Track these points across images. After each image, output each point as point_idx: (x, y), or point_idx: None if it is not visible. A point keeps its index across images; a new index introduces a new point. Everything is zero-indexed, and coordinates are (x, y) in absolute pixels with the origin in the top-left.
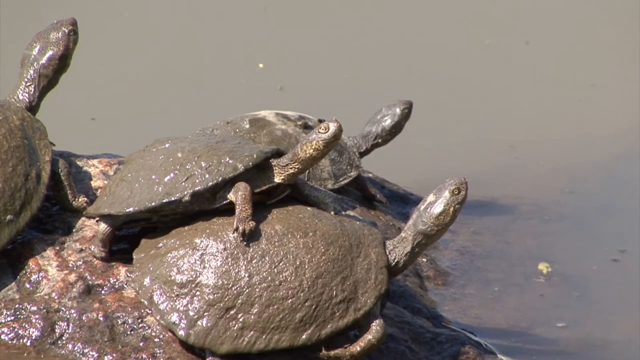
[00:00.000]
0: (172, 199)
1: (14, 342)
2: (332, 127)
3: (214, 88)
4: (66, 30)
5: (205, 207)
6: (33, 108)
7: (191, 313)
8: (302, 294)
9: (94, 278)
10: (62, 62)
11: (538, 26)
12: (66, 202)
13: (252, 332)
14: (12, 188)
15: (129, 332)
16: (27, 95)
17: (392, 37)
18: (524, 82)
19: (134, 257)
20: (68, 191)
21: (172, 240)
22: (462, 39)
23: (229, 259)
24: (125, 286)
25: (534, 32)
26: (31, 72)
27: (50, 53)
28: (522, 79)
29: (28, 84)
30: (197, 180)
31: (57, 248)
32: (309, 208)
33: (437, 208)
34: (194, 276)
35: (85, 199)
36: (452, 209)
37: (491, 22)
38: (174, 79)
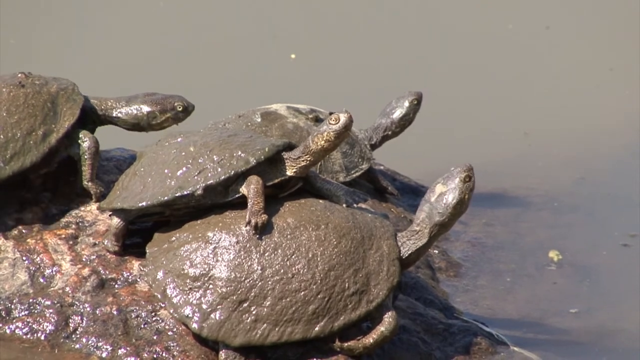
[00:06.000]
0: (185, 192)
1: (28, 336)
2: (343, 118)
3: (244, 78)
4: (175, 105)
5: (218, 200)
6: (98, 117)
7: (204, 306)
8: (314, 287)
9: (107, 272)
10: (145, 116)
11: (560, 10)
12: (80, 178)
13: (265, 325)
14: (7, 137)
15: (142, 326)
16: (103, 105)
17: (415, 23)
18: (543, 69)
19: (147, 251)
20: (86, 169)
21: (185, 234)
22: (486, 23)
23: (242, 252)
24: (138, 280)
25: (556, 15)
26: (122, 102)
27: (148, 106)
28: (541, 65)
29: (110, 104)
30: (209, 174)
31: (71, 242)
32: (321, 201)
33: (453, 198)
34: (207, 269)
35: (100, 187)
36: (466, 197)
37: (514, 6)
38: (196, 70)
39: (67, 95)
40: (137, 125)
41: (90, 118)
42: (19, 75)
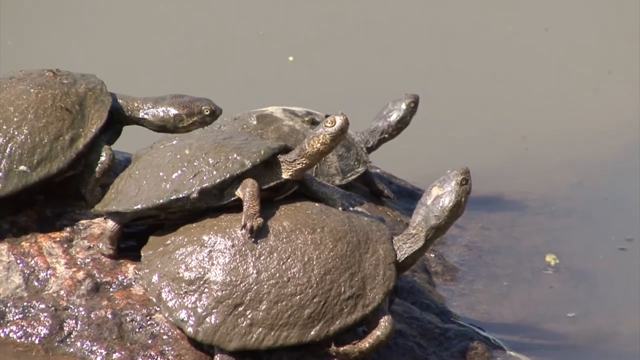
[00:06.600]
0: (180, 195)
1: (23, 340)
2: (339, 120)
3: (241, 80)
4: (202, 108)
5: (213, 203)
6: (125, 117)
7: (199, 310)
8: (310, 291)
9: (102, 275)
10: (171, 119)
11: (559, 12)
12: (83, 187)
13: (260, 329)
14: (35, 142)
15: (137, 330)
16: (130, 105)
17: (413, 25)
18: (541, 71)
19: (142, 254)
20: (92, 181)
21: (180, 238)
22: (485, 25)
23: (237, 256)
24: (133, 283)
25: (555, 18)
26: (150, 103)
27: (175, 109)
28: (539, 67)
29: (137, 105)
30: (204, 177)
31: (65, 246)
32: (316, 204)
33: (449, 201)
34: (202, 273)
35: (97, 197)
36: (463, 200)
37: (514, 8)
38: (193, 72)
39: (95, 96)
40: (163, 127)
41: (117, 118)
42: (47, 73)
